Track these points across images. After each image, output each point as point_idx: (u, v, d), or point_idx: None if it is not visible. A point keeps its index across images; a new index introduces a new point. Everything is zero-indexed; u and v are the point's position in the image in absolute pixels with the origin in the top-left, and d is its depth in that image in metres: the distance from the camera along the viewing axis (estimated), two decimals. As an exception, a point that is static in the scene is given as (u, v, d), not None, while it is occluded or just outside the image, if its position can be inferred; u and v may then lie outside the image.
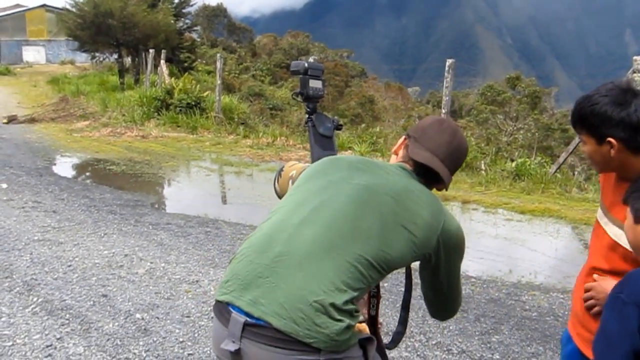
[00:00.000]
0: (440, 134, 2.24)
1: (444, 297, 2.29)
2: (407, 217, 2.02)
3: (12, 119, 18.78)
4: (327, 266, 1.89)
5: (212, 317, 2.08)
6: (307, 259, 1.91)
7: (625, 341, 1.77)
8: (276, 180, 2.69)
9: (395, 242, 1.97)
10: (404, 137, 2.35)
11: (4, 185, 9.79)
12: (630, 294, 1.80)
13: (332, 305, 1.83)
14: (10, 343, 4.38)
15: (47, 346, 4.35)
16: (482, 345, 4.55)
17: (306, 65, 2.61)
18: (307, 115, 2.65)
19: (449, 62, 11.58)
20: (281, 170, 2.69)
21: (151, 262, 6.24)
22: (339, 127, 2.68)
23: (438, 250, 2.07)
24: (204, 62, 40.87)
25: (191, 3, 34.85)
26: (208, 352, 4.32)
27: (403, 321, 2.53)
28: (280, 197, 2.69)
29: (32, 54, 63.47)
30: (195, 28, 40.93)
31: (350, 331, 1.86)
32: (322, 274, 1.87)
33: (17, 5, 70.18)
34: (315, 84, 2.63)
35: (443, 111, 11.67)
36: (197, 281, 5.72)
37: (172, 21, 30.28)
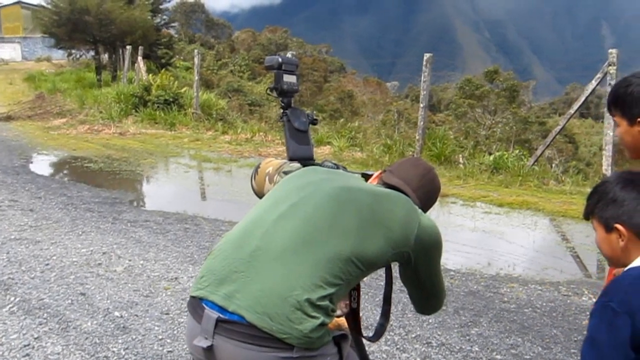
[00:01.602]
0: (414, 168, 2.33)
1: (426, 294, 2.30)
2: (385, 215, 2.04)
3: (-13, 118, 18.64)
4: (304, 261, 1.89)
5: (187, 314, 2.07)
6: (283, 254, 1.91)
7: (617, 353, 1.70)
8: (253, 178, 2.69)
9: (373, 239, 1.98)
10: (379, 172, 2.41)
11: (-20, 184, 9.71)
12: (622, 304, 1.72)
13: (308, 300, 1.82)
14: (-13, 343, 4.34)
15: (25, 346, 4.31)
16: (462, 338, 4.57)
17: (280, 60, 2.61)
18: (282, 110, 2.65)
19: (426, 56, 11.61)
20: (258, 167, 2.69)
21: (129, 260, 6.20)
22: (314, 122, 2.68)
23: (416, 248, 2.08)
24: (182, 58, 40.69)
25: (168, -1, 34.70)
26: (187, 349, 4.31)
27: (385, 314, 2.54)
28: (257, 193, 2.69)
29: (8, 52, 62.79)
30: (172, 24, 40.73)
31: (324, 329, 1.86)
32: (299, 269, 1.87)
33: (-8, 2, 69.41)
34: (289, 78, 2.63)
35: (421, 105, 11.72)
36: (176, 278, 5.70)
37: (149, 17, 30.13)
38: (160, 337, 4.49)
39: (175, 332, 4.57)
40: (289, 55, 15.54)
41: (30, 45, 62.96)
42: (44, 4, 28.49)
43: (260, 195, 2.65)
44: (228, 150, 13.39)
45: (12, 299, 5.15)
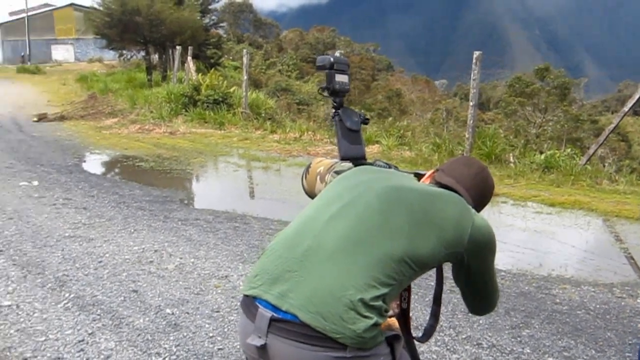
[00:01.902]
0: (467, 167, 2.31)
1: (479, 295, 2.28)
2: (438, 215, 2.02)
3: (42, 117, 19.04)
4: (357, 261, 1.89)
5: (240, 312, 2.08)
6: (336, 254, 1.91)
7: None
8: (304, 177, 2.69)
9: (426, 239, 1.97)
10: (432, 171, 2.40)
11: (35, 183, 9.93)
12: None
13: (361, 300, 1.82)
14: (43, 338, 4.44)
15: (80, 341, 4.40)
16: (513, 340, 4.52)
17: (332, 59, 2.61)
18: (333, 110, 2.65)
19: (476, 54, 11.49)
20: (309, 166, 2.70)
21: (180, 258, 6.28)
22: (365, 121, 2.68)
23: (469, 249, 2.06)
24: (231, 58, 41.04)
25: (217, -1, 35.02)
26: (237, 346, 4.34)
27: (435, 314, 2.53)
28: (307, 193, 2.69)
29: (61, 53, 64.23)
30: (221, 24, 41.08)
31: (378, 329, 1.86)
32: (352, 269, 1.87)
33: (46, 5, 70.98)
34: (341, 78, 2.62)
35: (471, 103, 11.60)
36: (226, 276, 5.75)
37: (199, 18, 30.46)
38: (210, 334, 4.53)
39: (225, 329, 4.61)
40: (337, 54, 15.55)
41: (82, 47, 64.25)
42: (96, 5, 29.00)
43: (311, 194, 2.66)
44: (277, 149, 13.45)
45: (67, 295, 5.26)
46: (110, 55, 43.63)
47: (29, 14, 62.72)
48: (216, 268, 5.98)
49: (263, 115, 17.65)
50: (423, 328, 2.59)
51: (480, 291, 2.26)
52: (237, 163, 12.32)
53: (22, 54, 59.88)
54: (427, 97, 45.88)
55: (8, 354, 4.22)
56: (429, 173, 2.40)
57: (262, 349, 1.89)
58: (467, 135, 11.69)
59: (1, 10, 77.19)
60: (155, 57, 29.80)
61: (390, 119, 22.63)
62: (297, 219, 2.15)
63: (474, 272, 2.15)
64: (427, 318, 4.54)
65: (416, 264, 1.95)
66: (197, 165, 11.99)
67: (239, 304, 4.98)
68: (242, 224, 7.64)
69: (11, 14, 72.42)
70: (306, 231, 2.02)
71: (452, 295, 5.10)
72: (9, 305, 5.03)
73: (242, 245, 6.75)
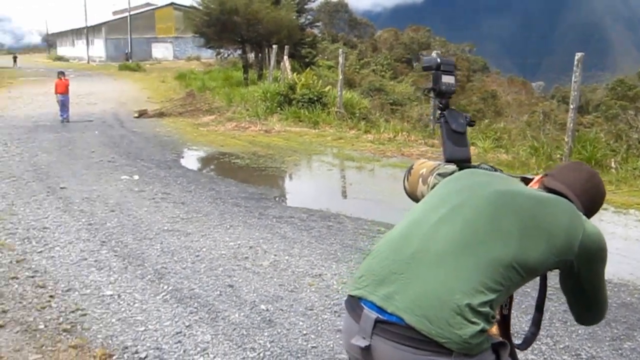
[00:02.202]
0: (577, 172, 2.25)
1: (588, 304, 2.19)
2: (547, 220, 1.96)
3: (142, 114, 19.63)
4: (464, 266, 1.85)
5: (343, 312, 2.08)
6: (444, 257, 1.88)
7: None
8: (406, 178, 2.67)
9: (535, 245, 1.91)
10: (540, 176, 2.33)
11: (136, 177, 10.24)
12: None
13: (468, 306, 1.79)
14: (143, 328, 4.57)
15: (177, 333, 4.50)
16: (613, 352, 4.37)
17: (439, 60, 2.58)
18: (439, 112, 2.61)
19: (577, 55, 11.15)
20: (411, 168, 2.67)
21: (275, 255, 6.34)
22: (471, 123, 2.63)
23: (580, 256, 1.99)
24: (325, 57, 41.24)
25: (313, -1, 35.25)
26: (331, 345, 4.35)
27: (536, 322, 2.45)
28: (409, 194, 2.67)
29: (161, 51, 66.13)
30: (316, 24, 41.34)
31: (484, 335, 1.82)
32: (459, 273, 1.84)
33: (147, 4, 73.24)
34: (447, 79, 2.59)
35: (571, 106, 11.27)
36: (320, 275, 5.77)
37: (295, 17, 30.71)
38: (304, 332, 4.56)
39: (319, 328, 4.63)
40: (434, 54, 15.41)
41: (181, 45, 65.96)
42: (195, 5, 29.67)
43: (412, 196, 2.64)
44: (371, 149, 13.43)
45: (165, 287, 5.39)
46: (207, 54, 44.62)
47: (132, 13, 64.82)
48: (310, 266, 6.01)
49: (357, 115, 17.65)
50: (520, 335, 2.53)
51: (589, 300, 2.18)
52: (331, 162, 12.37)
53: (126, 51, 61.90)
54: (523, 99, 44.90)
55: (110, 342, 4.36)
56: (537, 178, 2.34)
57: (366, 350, 1.88)
58: (566, 139, 11.37)
59: (105, 9, 79.92)
60: (251, 56, 30.26)
61: (487, 121, 22.21)
62: (404, 221, 2.13)
63: (583, 280, 2.08)
64: (523, 325, 4.45)
65: (524, 270, 1.90)
66: (291, 163, 12.10)
67: (333, 303, 5.02)
68: (335, 223, 7.66)
69: (114, 13, 75.11)
70: (413, 234, 2.00)
71: (550, 303, 4.96)
72: (111, 295, 5.20)
73: (336, 244, 6.76)
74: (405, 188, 2.69)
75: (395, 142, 14.17)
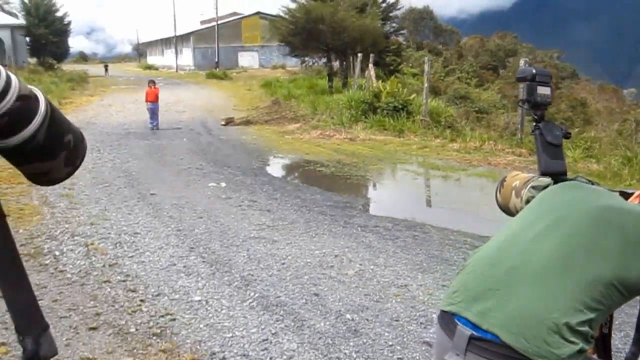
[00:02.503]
0: None
1: None
2: None
3: (229, 121, 19.97)
4: (563, 283, 1.80)
5: (433, 325, 2.05)
6: (541, 274, 1.83)
7: None
8: (498, 191, 2.62)
9: (638, 263, 1.84)
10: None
11: (223, 184, 10.42)
12: None
13: (567, 325, 1.73)
14: (230, 335, 4.63)
15: (264, 340, 4.54)
16: None
17: (534, 71, 2.52)
18: (534, 123, 2.56)
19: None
20: (503, 180, 2.63)
21: (360, 264, 6.34)
22: (567, 135, 2.56)
23: None
24: (410, 65, 41.04)
25: (398, 7, 35.18)
26: (417, 357, 4.31)
27: (637, 342, 2.37)
28: (501, 207, 2.62)
29: (247, 59, 67.18)
30: (401, 31, 41.24)
31: (583, 355, 1.76)
32: (557, 291, 1.79)
33: (234, 14, 74.56)
34: (543, 90, 2.53)
35: (668, 115, 10.87)
36: (405, 285, 5.73)
37: (380, 25, 30.70)
38: (390, 343, 4.53)
39: (404, 339, 4.59)
40: (521, 62, 15.13)
41: (267, 53, 66.83)
42: (281, 14, 30.03)
43: (504, 208, 2.59)
44: (456, 158, 13.27)
45: (252, 294, 5.45)
46: (293, 62, 45.11)
47: (219, 22, 66.05)
48: (395, 276, 5.97)
49: (442, 123, 17.49)
50: (616, 355, 2.44)
51: None
52: (416, 171, 12.29)
53: (216, 60, 63.09)
54: (614, 107, 43.62)
55: (198, 347, 4.43)
56: (637, 192, 2.25)
57: None
58: (662, 149, 10.99)
59: (193, 19, 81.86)
60: (336, 64, 30.41)
61: (576, 129, 21.66)
62: (499, 235, 2.09)
63: None
64: (616, 342, 4.30)
65: (626, 288, 1.83)
66: (376, 172, 12.08)
67: (419, 314, 4.97)
68: (421, 232, 7.60)
69: (202, 22, 76.78)
70: (510, 249, 1.95)
71: (647, 320, 4.78)
72: (199, 301, 5.30)
73: (422, 254, 6.70)
74: (497, 200, 2.64)
75: (481, 151, 13.97)
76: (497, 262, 1.93)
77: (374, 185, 11.27)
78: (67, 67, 56.90)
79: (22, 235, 7.18)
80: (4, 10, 51.64)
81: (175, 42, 73.07)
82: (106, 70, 62.32)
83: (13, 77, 1.17)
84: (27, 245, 6.84)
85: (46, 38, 51.00)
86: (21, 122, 1.18)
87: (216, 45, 64.13)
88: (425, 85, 17.67)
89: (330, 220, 8.13)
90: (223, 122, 19.84)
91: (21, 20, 49.62)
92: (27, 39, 49.85)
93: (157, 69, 76.33)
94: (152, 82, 19.87)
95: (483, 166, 12.29)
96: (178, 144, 15.62)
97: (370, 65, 21.93)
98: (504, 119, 23.46)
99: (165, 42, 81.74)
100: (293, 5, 29.38)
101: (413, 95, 19.49)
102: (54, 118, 1.25)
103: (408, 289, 5.64)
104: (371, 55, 22.68)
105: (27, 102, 1.19)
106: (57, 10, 54.60)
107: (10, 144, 1.19)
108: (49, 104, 1.23)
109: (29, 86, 1.22)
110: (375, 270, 6.16)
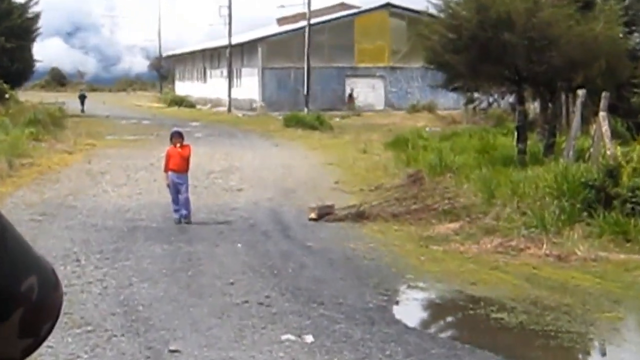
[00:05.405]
0: None
1: None
2: None
3: (324, 213, 20.02)
4: None
5: None
6: None
7: None
8: None
9: None
10: None
11: (309, 338, 10.39)
12: None
13: None
14: None
15: None
16: None
17: None
18: None
19: None
20: None
21: None
22: None
23: None
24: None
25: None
26: None
27: None
28: None
29: (364, 92, 67.18)
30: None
31: None
32: None
33: (342, 5, 75.77)
34: None
35: None
36: None
37: (621, 35, 30.18)
38: None
39: None
40: None
41: (399, 82, 67.00)
42: (432, 10, 30.16)
43: None
44: None
45: None
46: (449, 101, 45.45)
47: (312, 21, 67.02)
48: None
49: None
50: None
51: None
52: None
53: (305, 92, 63.07)
54: None
55: None
56: None
57: None
58: None
59: (263, 14, 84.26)
60: (534, 107, 30.24)
61: None
62: None
63: None
64: None
65: None
66: (609, 327, 11.87)
67: None
68: None
69: (280, 21, 79.17)
70: None
71: None
72: None
73: None
74: None
75: None
76: None
77: (601, 353, 11.10)
78: (27, 95, 58.63)
79: None
80: None
81: (230, 56, 72.89)
82: (82, 102, 63.85)
83: None
84: None
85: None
86: None
87: (305, 64, 63.59)
88: None
89: None
90: (313, 215, 19.95)
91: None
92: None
93: (192, 105, 77.51)
94: (178, 135, 19.83)
95: None
96: (226, 253, 15.79)
97: (602, 113, 21.81)
98: None
99: (209, 57, 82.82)
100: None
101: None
102: (5, 246, 1.20)
103: None
104: (604, 92, 22.52)
105: None
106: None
107: None
108: None
109: None
110: None
